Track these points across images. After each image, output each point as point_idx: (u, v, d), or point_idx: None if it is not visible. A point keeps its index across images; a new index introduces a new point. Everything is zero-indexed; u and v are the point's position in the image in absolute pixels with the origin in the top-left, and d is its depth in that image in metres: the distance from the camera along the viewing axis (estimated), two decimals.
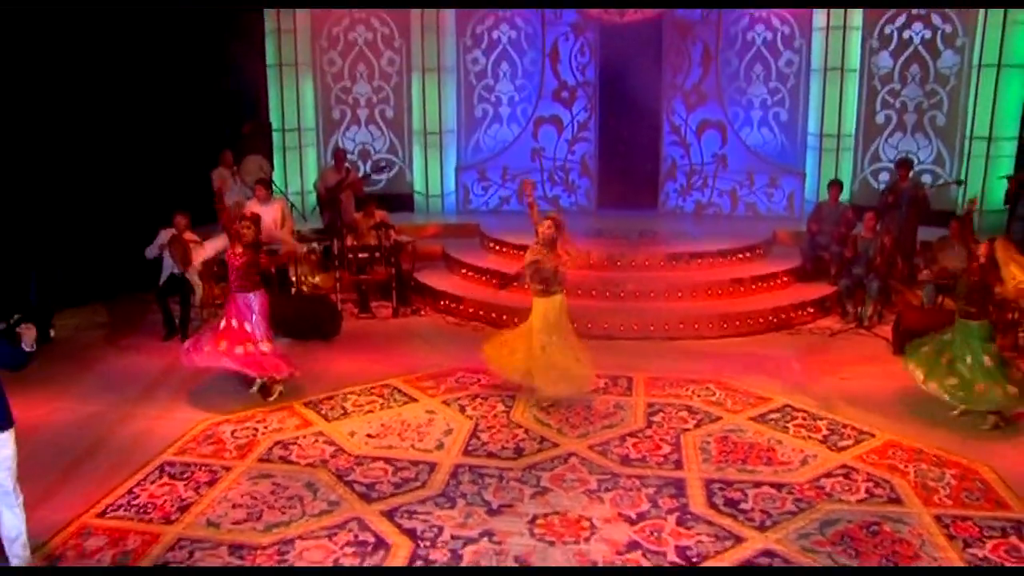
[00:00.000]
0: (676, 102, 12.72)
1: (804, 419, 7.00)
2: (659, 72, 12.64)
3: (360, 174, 11.97)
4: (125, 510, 5.61)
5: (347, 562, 4.99)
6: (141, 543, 5.21)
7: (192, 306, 9.42)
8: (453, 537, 5.23)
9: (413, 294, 10.51)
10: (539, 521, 5.42)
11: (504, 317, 9.42)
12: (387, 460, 6.31)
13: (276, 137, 12.85)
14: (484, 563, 4.97)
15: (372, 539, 5.23)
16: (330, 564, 4.97)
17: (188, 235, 9.22)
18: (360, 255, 10.14)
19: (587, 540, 5.20)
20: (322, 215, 11.60)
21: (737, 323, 9.38)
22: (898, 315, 8.84)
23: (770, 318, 9.53)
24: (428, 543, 5.17)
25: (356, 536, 5.26)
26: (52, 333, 9.21)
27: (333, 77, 13.24)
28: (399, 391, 7.65)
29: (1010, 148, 10.97)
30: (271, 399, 7.42)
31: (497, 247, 11.17)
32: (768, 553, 5.07)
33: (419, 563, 4.96)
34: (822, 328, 9.50)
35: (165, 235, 9.28)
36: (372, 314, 10.09)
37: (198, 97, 11.57)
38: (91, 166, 10.21)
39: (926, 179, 11.58)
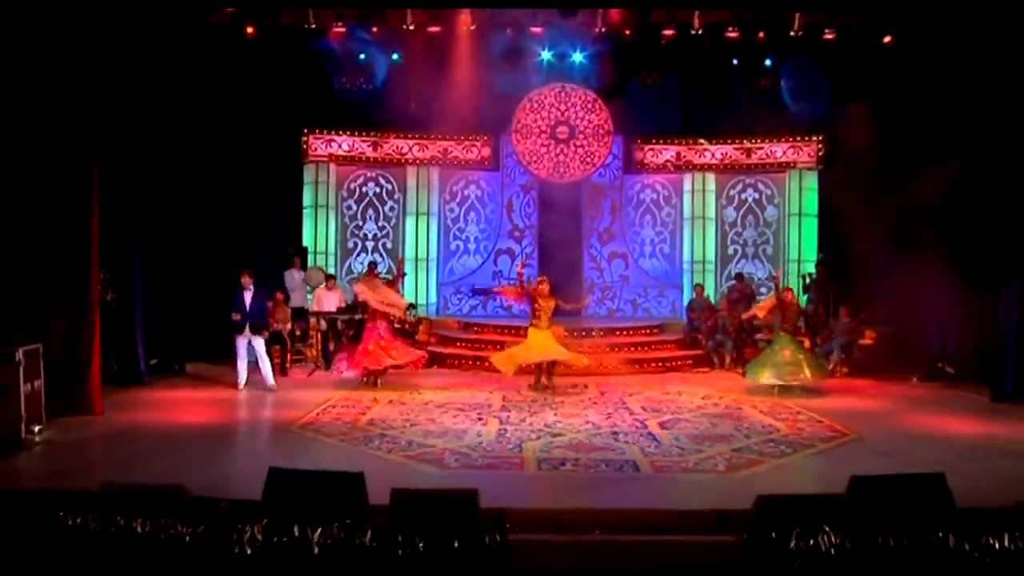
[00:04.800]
0: (593, 239, 18.28)
1: (690, 394, 12.09)
2: (580, 219, 18.23)
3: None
4: (327, 414, 10.15)
5: (466, 423, 9.68)
6: (352, 418, 9.77)
7: (287, 352, 13.98)
8: (517, 419, 10.00)
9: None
10: (557, 414, 10.28)
11: (485, 363, 14.12)
12: (463, 403, 11.04)
13: (310, 258, 17.68)
14: (534, 424, 9.71)
15: (476, 417, 9.97)
16: (461, 422, 9.65)
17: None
18: (395, 325, 14.96)
19: (585, 418, 10.08)
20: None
21: (639, 367, 14.55)
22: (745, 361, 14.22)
23: (663, 364, 14.77)
24: (508, 416, 9.96)
25: (467, 416, 10.00)
26: (187, 369, 13.63)
27: (349, 217, 18.30)
28: (445, 389, 12.35)
29: (811, 266, 16.86)
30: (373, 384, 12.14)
31: (476, 329, 16.17)
32: (673, 420, 10.04)
33: (505, 426, 9.61)
34: (697, 370, 14.75)
35: (269, 304, 13.92)
36: (402, 367, 14.77)
37: (259, 226, 16.46)
38: (213, 270, 14.75)
39: (762, 290, 17.30)
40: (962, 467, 6.16)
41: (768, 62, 15.61)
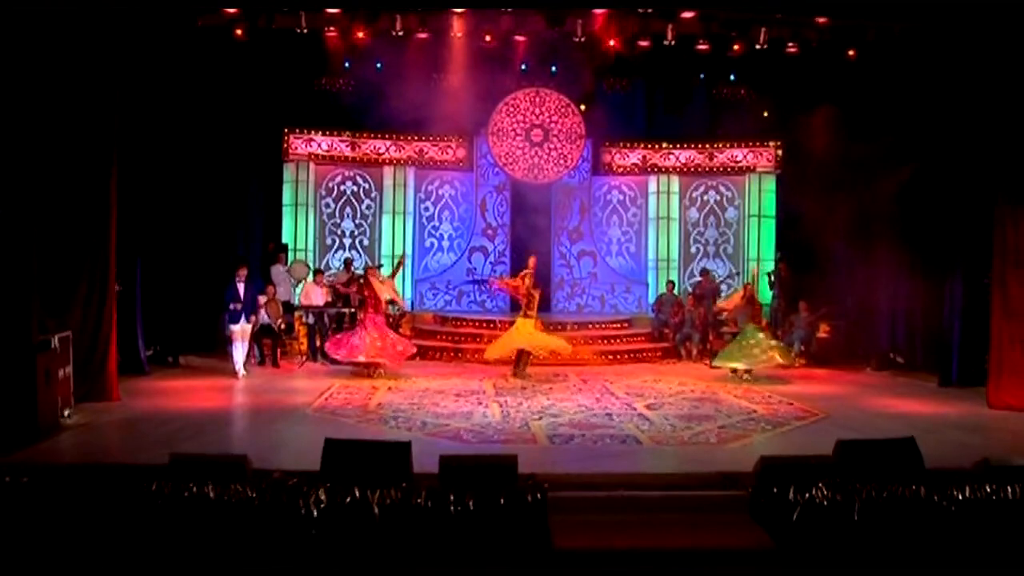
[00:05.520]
0: (563, 237, 19.10)
1: (667, 382, 12.99)
2: (551, 218, 19.04)
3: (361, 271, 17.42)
4: (334, 399, 10.79)
5: (468, 406, 10.41)
6: (361, 402, 10.44)
7: (277, 345, 14.54)
8: (515, 403, 10.76)
9: None
10: (549, 398, 11.07)
11: (464, 354, 15.06)
12: (459, 389, 11.75)
13: (290, 254, 18.20)
14: (532, 407, 10.49)
15: (477, 401, 10.71)
16: (463, 405, 10.39)
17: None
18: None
19: (577, 402, 10.89)
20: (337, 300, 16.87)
21: (612, 358, 15.42)
22: (712, 352, 15.18)
23: (634, 356, 15.67)
24: (505, 401, 10.72)
25: (467, 401, 10.73)
26: (181, 361, 14.11)
27: (327, 216, 18.84)
28: (435, 378, 13.06)
29: (770, 265, 17.92)
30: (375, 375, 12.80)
31: (454, 322, 16.92)
32: (657, 403, 10.91)
33: (507, 409, 10.37)
34: (666, 361, 15.66)
35: (262, 299, 14.47)
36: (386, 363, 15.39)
37: (242, 223, 16.98)
38: (199, 266, 15.24)
39: (723, 286, 18.31)
40: (921, 438, 7.04)
41: (732, 76, 16.67)
